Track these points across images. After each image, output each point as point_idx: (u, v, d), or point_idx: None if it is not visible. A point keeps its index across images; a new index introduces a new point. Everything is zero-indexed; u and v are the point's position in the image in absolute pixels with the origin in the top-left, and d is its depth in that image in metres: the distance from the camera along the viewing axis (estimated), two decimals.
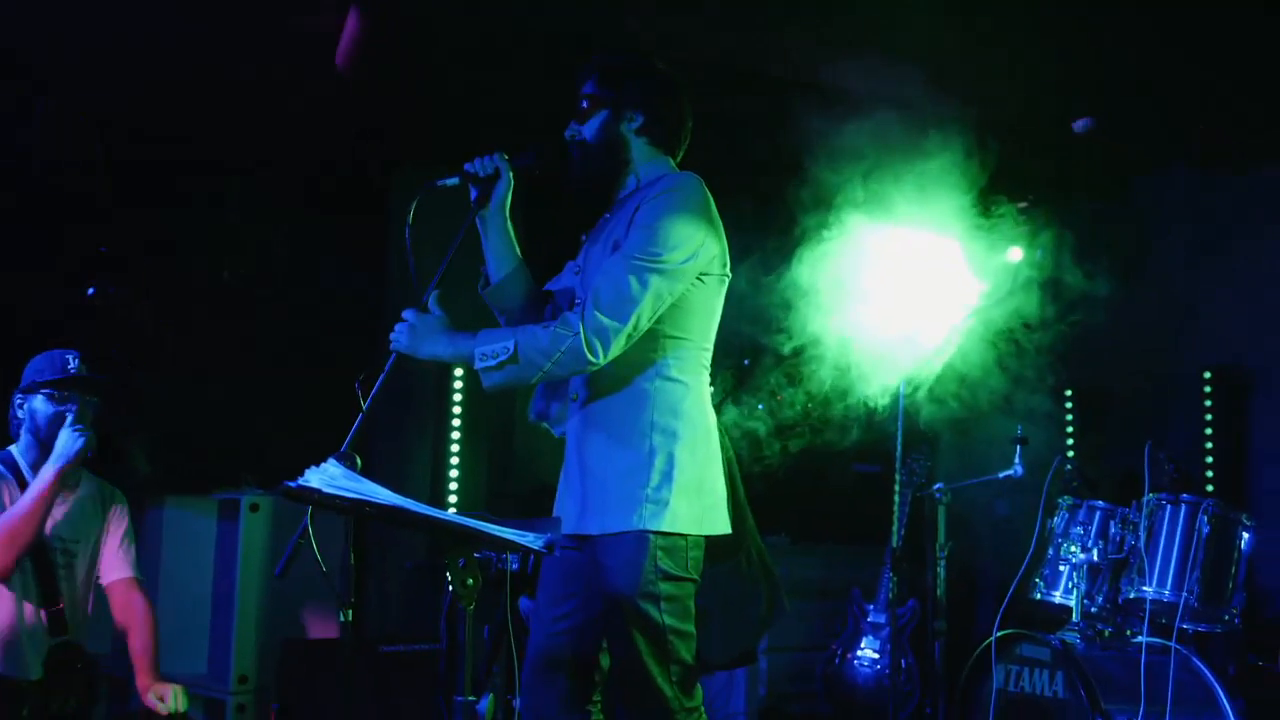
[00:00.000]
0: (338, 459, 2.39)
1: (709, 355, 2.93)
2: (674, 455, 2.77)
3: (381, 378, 2.70)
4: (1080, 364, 5.79)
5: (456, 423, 5.53)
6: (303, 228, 5.78)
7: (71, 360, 3.60)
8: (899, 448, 4.86)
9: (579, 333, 2.68)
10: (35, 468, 3.56)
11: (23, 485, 3.53)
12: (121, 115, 5.18)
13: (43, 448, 3.57)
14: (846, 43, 4.58)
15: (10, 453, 3.62)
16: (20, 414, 3.61)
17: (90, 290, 4.95)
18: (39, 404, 3.57)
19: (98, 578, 3.73)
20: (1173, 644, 4.10)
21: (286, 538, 5.21)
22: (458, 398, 5.57)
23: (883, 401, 4.58)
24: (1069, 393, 6.31)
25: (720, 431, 3.89)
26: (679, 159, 3.02)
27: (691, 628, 2.78)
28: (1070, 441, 6.33)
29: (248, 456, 5.27)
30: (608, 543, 2.76)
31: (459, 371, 5.61)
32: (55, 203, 5.11)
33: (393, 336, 2.80)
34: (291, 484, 2.29)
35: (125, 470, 5.10)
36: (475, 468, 5.61)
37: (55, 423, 3.53)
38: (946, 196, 4.34)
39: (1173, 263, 6.10)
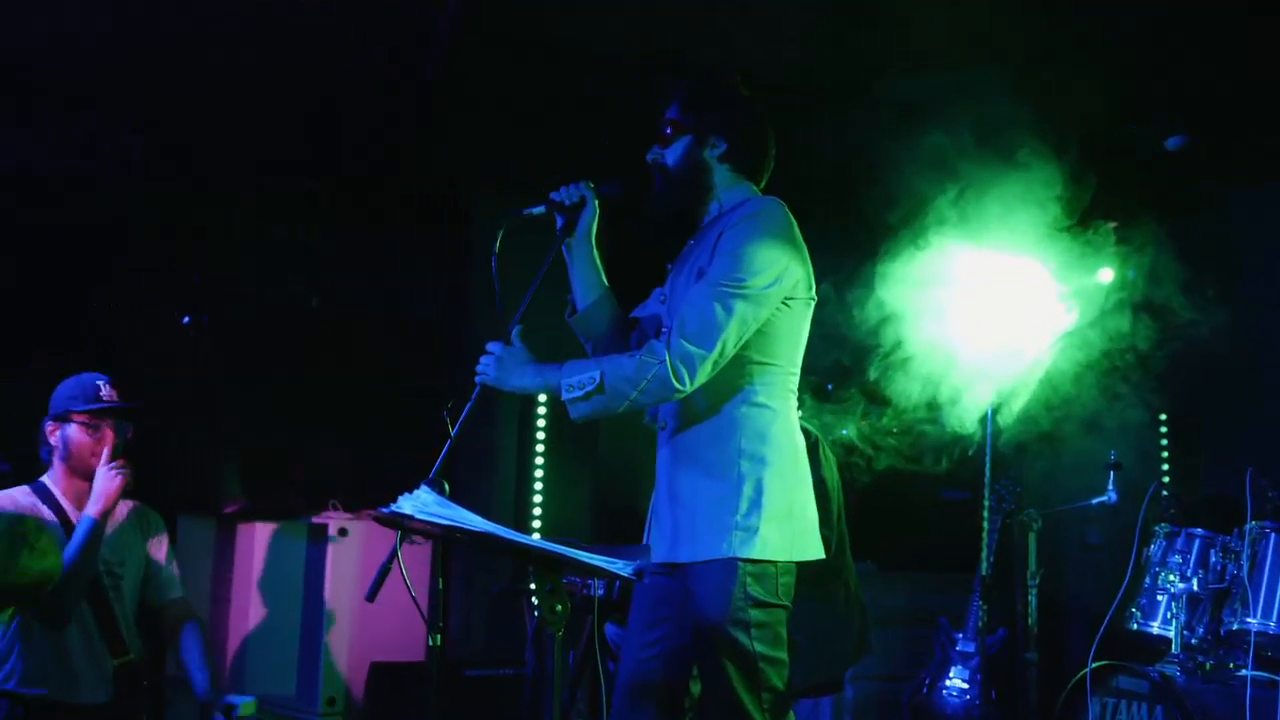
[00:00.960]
0: (429, 485, 2.41)
1: (796, 379, 2.93)
2: (762, 481, 2.77)
3: (468, 408, 2.73)
4: (1175, 388, 5.65)
5: (540, 448, 5.56)
6: (389, 251, 5.86)
7: (103, 386, 3.59)
8: (988, 473, 4.77)
9: (665, 361, 2.69)
10: (68, 495, 3.58)
11: (59, 514, 3.54)
12: (196, 138, 5.24)
13: (73, 474, 3.59)
14: (933, 58, 4.53)
15: (44, 483, 3.62)
16: (54, 441, 3.60)
17: (185, 319, 5.06)
18: (73, 432, 3.56)
19: (150, 599, 3.75)
20: (1279, 679, 3.96)
21: (373, 562, 5.28)
22: (541, 423, 5.60)
23: (972, 426, 4.51)
24: (1163, 417, 6.16)
25: (829, 461, 3.87)
26: (762, 185, 3.01)
27: (783, 654, 2.77)
28: (1166, 468, 6.17)
29: (336, 482, 5.33)
30: (698, 570, 2.76)
31: (543, 397, 5.64)
32: (136, 227, 5.20)
33: (479, 369, 2.82)
34: (385, 509, 2.32)
35: (217, 494, 5.20)
36: (559, 493, 5.62)
37: (88, 451, 3.54)
38: (1036, 216, 4.27)
39: (1270, 283, 5.92)
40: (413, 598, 2.66)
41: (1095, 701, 4.22)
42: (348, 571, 5.05)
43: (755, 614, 2.72)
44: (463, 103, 5.12)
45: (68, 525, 3.55)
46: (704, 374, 2.72)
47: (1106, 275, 4.96)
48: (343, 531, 5.05)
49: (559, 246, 2.97)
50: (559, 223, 2.96)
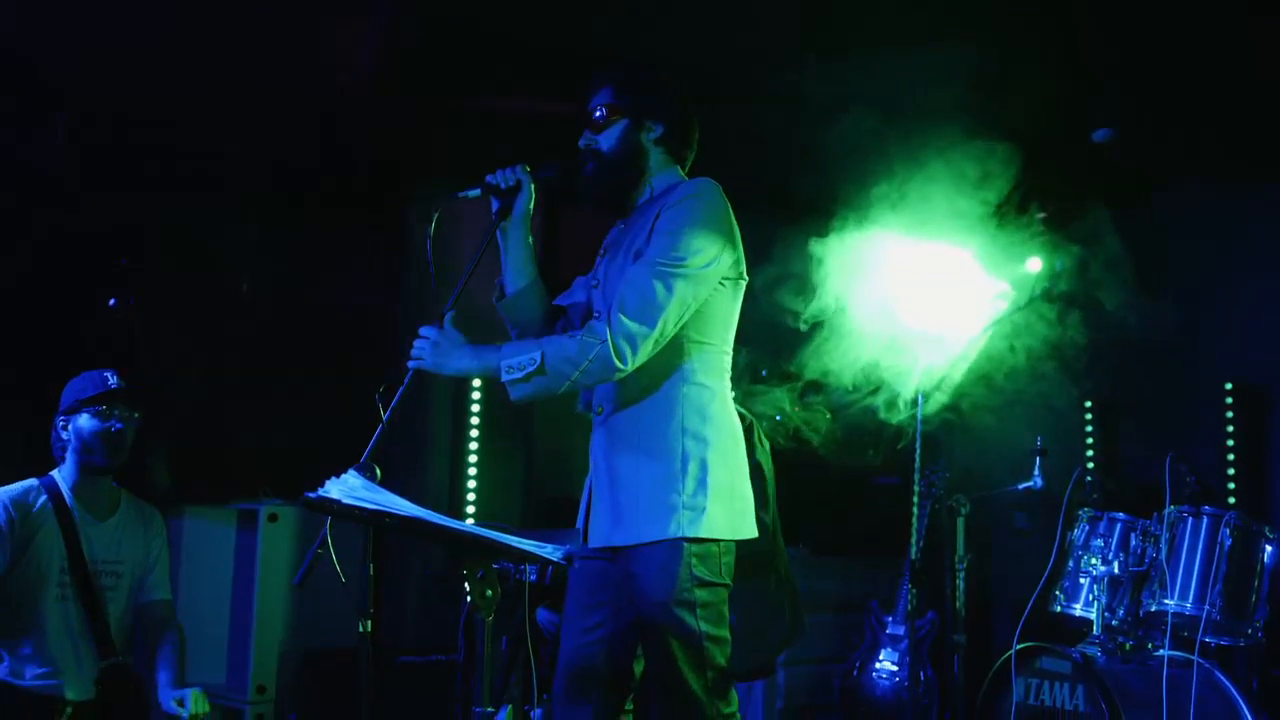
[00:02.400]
0: (358, 470, 2.40)
1: (729, 360, 2.96)
2: (706, 460, 2.79)
3: (400, 392, 2.71)
4: (1100, 376, 5.76)
5: (474, 433, 5.54)
6: (319, 237, 5.80)
7: (111, 377, 3.63)
8: (918, 459, 4.84)
9: (606, 340, 2.70)
10: (76, 491, 3.60)
11: (62, 511, 3.55)
12: (134, 122, 5.19)
13: (85, 470, 3.60)
14: (863, 50, 4.57)
15: (53, 477, 3.63)
16: (65, 435, 3.61)
17: (111, 301, 4.98)
18: (84, 422, 3.58)
19: (135, 598, 3.75)
20: (1195, 658, 4.07)
21: (305, 548, 5.24)
22: (476, 408, 5.58)
23: (901, 413, 4.57)
24: (1088, 404, 6.28)
25: (764, 445, 3.90)
26: (687, 169, 3.05)
27: (726, 633, 2.80)
28: (1090, 453, 6.30)
29: (266, 467, 5.28)
30: (642, 552, 2.77)
31: (477, 382, 5.62)
32: (65, 211, 5.13)
33: (414, 353, 2.81)
34: (311, 495, 2.31)
35: (145, 481, 5.12)
36: (493, 478, 5.61)
37: (100, 438, 3.56)
38: (965, 206, 4.33)
39: (1194, 274, 6.06)
40: (342, 583, 2.64)
41: (1020, 682, 4.30)
42: (278, 558, 5.00)
43: (700, 594, 2.74)
44: (400, 91, 5.09)
45: (66, 520, 3.55)
46: (645, 353, 2.74)
47: (1035, 264, 5.05)
48: (273, 517, 5.00)
49: (494, 230, 2.96)
50: (494, 206, 2.95)
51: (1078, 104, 5.19)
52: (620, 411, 2.86)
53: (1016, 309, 4.64)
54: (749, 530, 2.88)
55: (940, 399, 4.66)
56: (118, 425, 3.58)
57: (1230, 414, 5.84)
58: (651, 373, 2.81)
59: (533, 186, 2.94)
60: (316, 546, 2.51)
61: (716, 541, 2.78)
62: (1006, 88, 4.83)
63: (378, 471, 2.47)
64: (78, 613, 3.54)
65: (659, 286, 2.73)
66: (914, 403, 4.66)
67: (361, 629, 2.67)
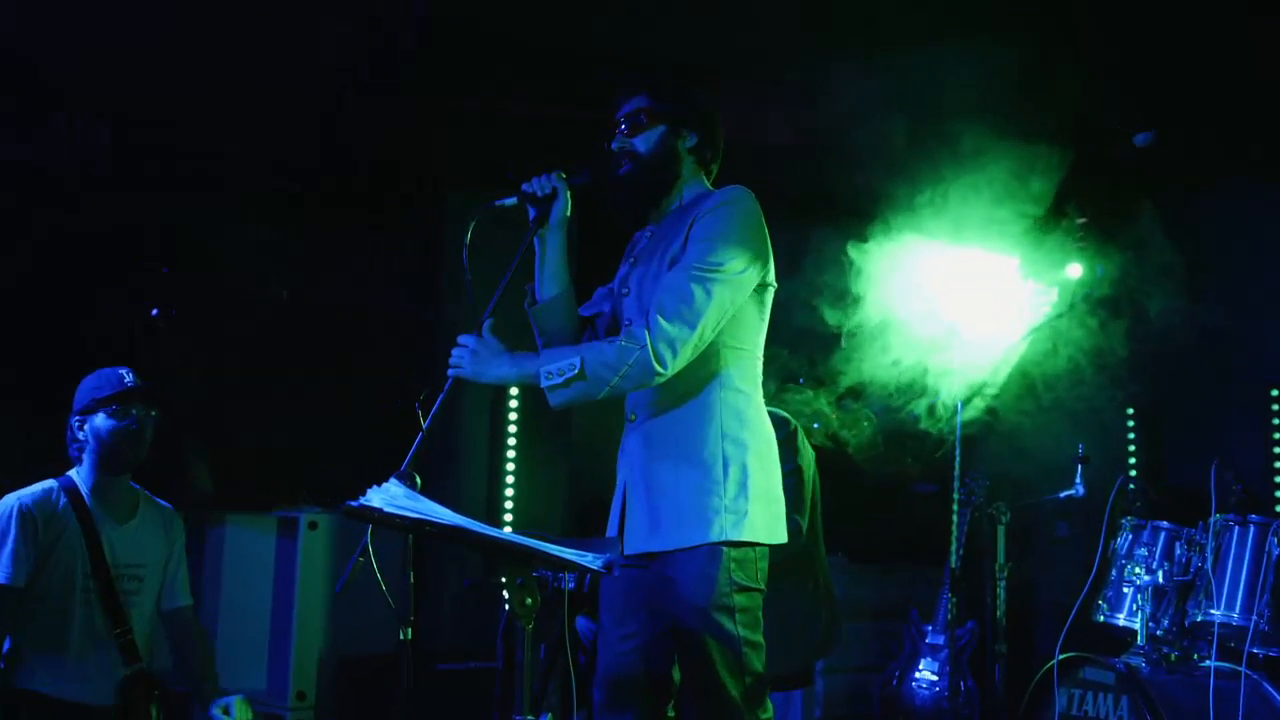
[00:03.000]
0: (398, 478, 2.41)
1: (760, 365, 2.97)
2: (746, 465, 2.81)
3: (440, 400, 2.72)
4: (1142, 381, 5.70)
5: (512, 441, 5.55)
6: (359, 245, 5.84)
7: (126, 375, 3.58)
8: (957, 466, 4.80)
9: (646, 345, 2.71)
10: (95, 492, 3.55)
11: (82, 513, 3.50)
12: (135, 122, 5.19)
13: (103, 469, 3.56)
14: (902, 54, 4.54)
15: (70, 477, 3.58)
16: (82, 436, 3.56)
17: (154, 311, 5.02)
18: (100, 421, 3.53)
19: (159, 604, 3.71)
20: (1243, 668, 4.00)
21: (345, 556, 5.28)
22: (513, 416, 5.59)
23: (940, 421, 4.54)
24: (1130, 410, 6.21)
25: (806, 450, 3.89)
26: (713, 180, 3.06)
27: (762, 638, 2.80)
28: (1132, 461, 6.23)
29: (307, 475, 5.31)
30: (681, 557, 2.77)
31: (514, 390, 5.63)
32: (66, 211, 5.15)
33: (453, 362, 2.81)
34: (353, 503, 2.31)
35: (187, 488, 5.16)
36: (531, 486, 5.62)
37: (119, 437, 3.52)
38: (1005, 211, 4.29)
39: (1237, 278, 5.98)
40: (383, 591, 2.65)
41: (1063, 693, 4.26)
42: (318, 565, 5.03)
43: (739, 599, 2.75)
44: (436, 98, 5.11)
45: (87, 522, 3.50)
46: (685, 357, 2.75)
47: (1075, 270, 5.00)
48: (313, 525, 5.02)
49: (532, 238, 2.97)
50: (531, 214, 2.95)
51: (1118, 107, 5.14)
52: (658, 417, 2.87)
53: (1057, 315, 4.61)
54: (783, 535, 2.89)
55: (980, 405, 4.63)
56: (135, 424, 3.53)
57: (1276, 420, 5.75)
58: (690, 379, 2.82)
59: (569, 194, 2.95)
60: (358, 554, 2.52)
61: (754, 546, 2.79)
62: (1047, 91, 4.80)
63: (418, 480, 2.48)
64: (101, 618, 3.49)
65: (698, 291, 2.74)
66: (954, 410, 4.63)
67: (402, 636, 2.67)
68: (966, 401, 4.63)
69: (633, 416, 2.93)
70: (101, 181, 5.16)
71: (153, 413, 3.60)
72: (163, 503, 3.79)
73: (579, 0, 4.36)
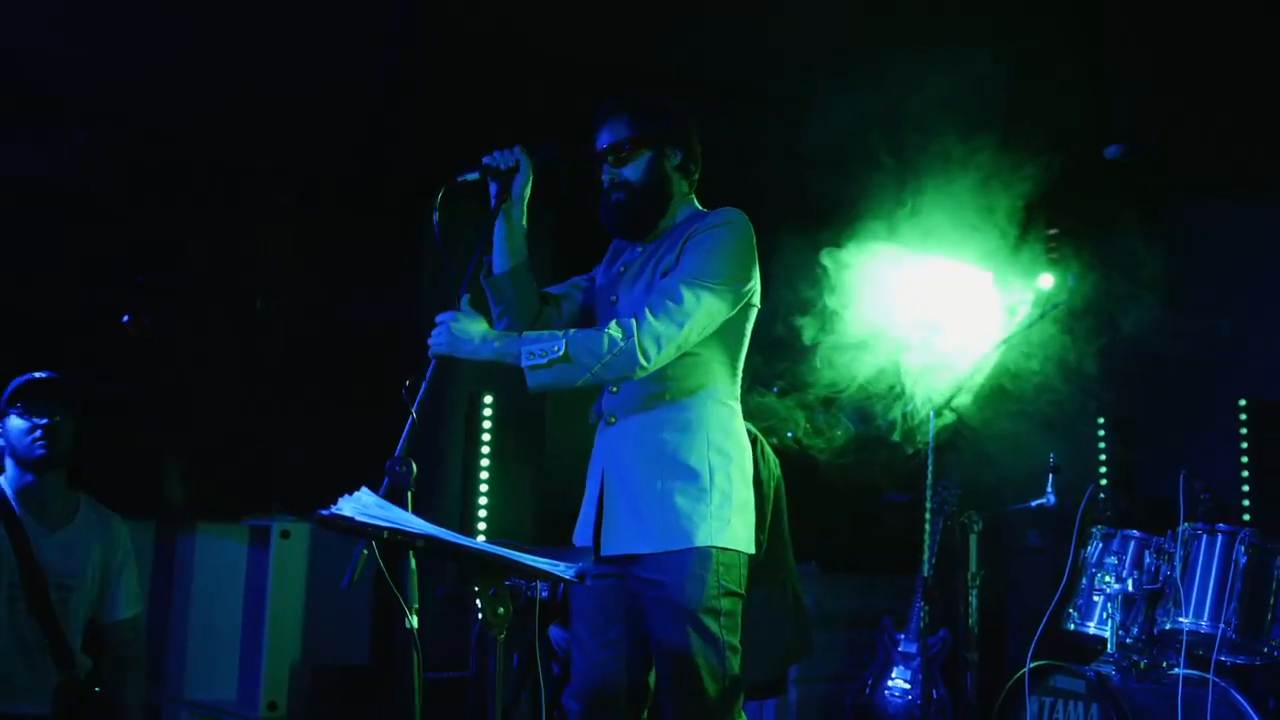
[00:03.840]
0: (394, 464, 2.42)
1: (740, 381, 3.03)
2: (730, 475, 2.88)
3: (424, 384, 2.69)
4: (1113, 392, 5.75)
5: (486, 449, 5.54)
6: (338, 251, 5.82)
7: (28, 375, 3.51)
8: (930, 475, 4.83)
9: (632, 336, 2.75)
10: (22, 496, 3.48)
11: (11, 520, 3.43)
12: (148, 134, 5.20)
13: (24, 467, 3.49)
14: (877, 61, 4.57)
15: None
16: (1, 441, 3.51)
17: (125, 318, 5.00)
18: (13, 422, 3.48)
19: (98, 615, 3.63)
20: (1211, 676, 4.03)
21: (317, 565, 5.25)
22: (487, 425, 5.58)
23: (912, 430, 4.56)
24: (1101, 420, 6.26)
25: (768, 459, 3.90)
26: (693, 188, 3.10)
27: (739, 644, 2.84)
28: (1103, 470, 6.27)
29: (278, 483, 5.28)
30: (670, 559, 2.80)
31: (489, 399, 5.62)
32: (81, 222, 5.14)
33: (431, 341, 2.80)
34: (324, 512, 2.30)
35: (158, 497, 5.13)
36: (504, 496, 5.61)
37: (29, 436, 3.45)
38: (978, 221, 4.32)
39: (1207, 291, 6.05)
40: (393, 588, 2.61)
41: (1033, 700, 4.28)
42: (290, 574, 5.01)
43: (725, 602, 2.80)
44: (421, 108, 5.11)
45: (14, 527, 3.44)
46: (667, 355, 2.79)
47: (1046, 281, 5.04)
48: (285, 534, 5.00)
49: (498, 213, 2.97)
50: (493, 189, 2.97)
51: (1093, 119, 5.19)
52: (644, 421, 2.89)
53: (1029, 325, 4.64)
54: (753, 547, 2.95)
55: (952, 415, 4.65)
56: (44, 419, 3.45)
57: (1244, 430, 5.81)
58: (680, 387, 2.88)
59: (531, 167, 2.96)
60: (362, 546, 2.48)
61: (738, 553, 2.86)
62: (1020, 101, 4.84)
63: (414, 466, 2.47)
64: (32, 626, 3.40)
65: (689, 295, 2.79)
66: (926, 419, 4.65)
67: (407, 625, 2.63)
68: (939, 411, 4.66)
69: (612, 419, 2.94)
70: (81, 190, 5.15)
71: (66, 404, 3.50)
72: (105, 509, 3.69)
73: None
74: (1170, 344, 5.78)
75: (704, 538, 2.79)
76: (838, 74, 4.51)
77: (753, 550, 2.91)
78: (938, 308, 4.43)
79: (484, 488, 5.53)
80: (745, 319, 2.97)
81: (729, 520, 2.83)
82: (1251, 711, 4.05)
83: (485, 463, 5.54)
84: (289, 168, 5.50)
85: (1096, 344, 4.96)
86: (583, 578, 2.41)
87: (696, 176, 3.09)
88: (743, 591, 2.87)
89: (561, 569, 2.41)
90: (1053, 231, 5.09)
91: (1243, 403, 5.82)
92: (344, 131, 5.28)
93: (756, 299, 2.99)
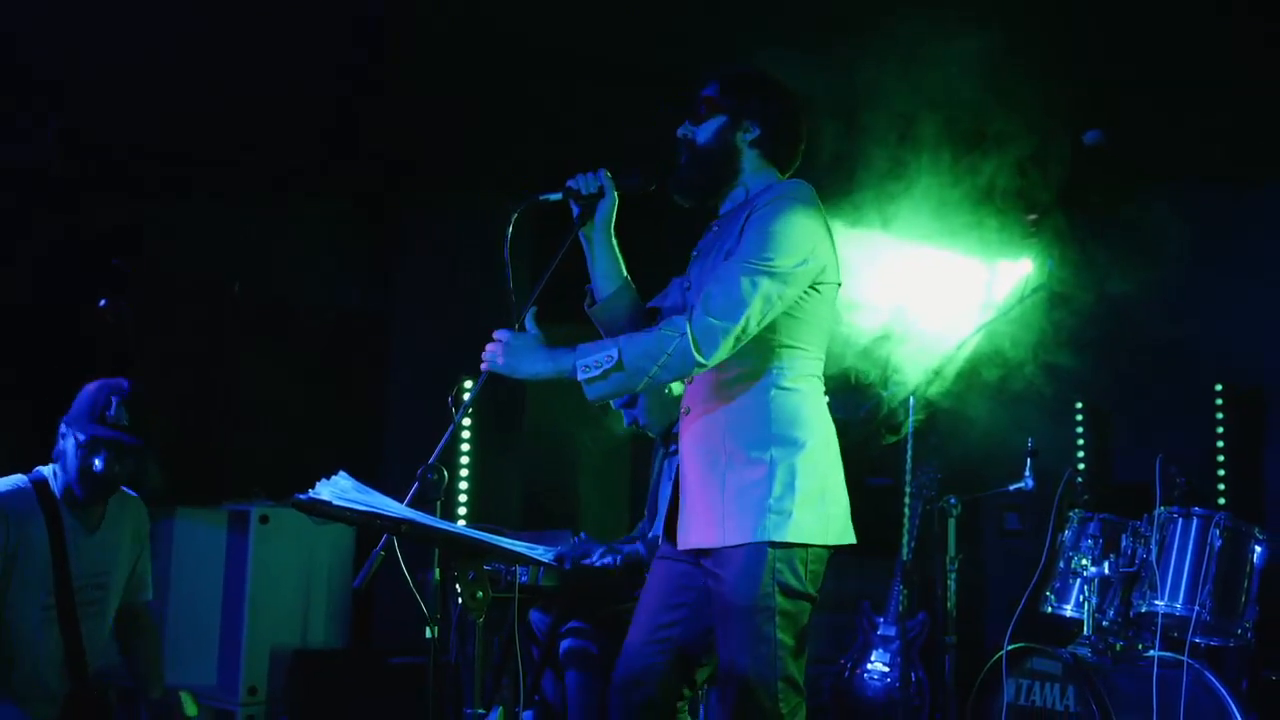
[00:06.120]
0: (426, 470, 2.41)
1: (821, 364, 2.91)
2: (795, 465, 2.76)
3: (472, 395, 2.70)
4: (1091, 377, 5.78)
5: (466, 434, 5.54)
6: (314, 240, 5.80)
7: (113, 405, 3.41)
8: (909, 460, 4.85)
9: (686, 333, 2.66)
10: (66, 496, 3.42)
11: (50, 514, 3.37)
12: (129, 128, 5.19)
13: (70, 488, 3.44)
14: (854, 46, 4.57)
15: (42, 472, 3.46)
16: (60, 446, 3.45)
17: (102, 302, 4.97)
18: (72, 448, 3.40)
19: (129, 597, 3.61)
20: (1185, 658, 4.07)
21: (296, 549, 5.24)
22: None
23: (894, 416, 4.57)
24: (1079, 405, 6.30)
25: None
26: (787, 176, 3.00)
27: (802, 645, 2.77)
28: (1081, 454, 6.31)
29: (257, 468, 5.27)
30: (726, 555, 2.75)
31: (467, 384, 5.61)
32: (62, 212, 5.12)
33: (486, 357, 2.75)
34: (302, 496, 2.31)
35: (137, 482, 5.11)
36: (485, 480, 5.60)
37: (82, 475, 3.39)
38: (956, 207, 4.33)
39: (1185, 276, 6.08)
40: (411, 587, 2.61)
41: (1011, 682, 4.31)
42: (269, 559, 5.00)
43: (782, 601, 2.71)
44: (396, 96, 5.09)
45: (55, 523, 3.37)
46: (726, 348, 2.69)
47: (1026, 266, 5.06)
48: (264, 519, 4.99)
49: (574, 235, 2.91)
50: (575, 211, 2.89)
51: (1069, 104, 5.20)
52: (710, 414, 2.83)
53: (1008, 310, 4.66)
54: (845, 536, 2.85)
55: (931, 399, 4.67)
56: (100, 470, 3.38)
57: (1220, 415, 5.86)
58: (743, 376, 2.79)
59: (616, 193, 2.90)
60: (380, 549, 2.48)
61: (805, 547, 2.75)
62: (1000, 86, 4.85)
63: (444, 473, 2.47)
64: (56, 639, 3.36)
65: (745, 282, 2.68)
66: (905, 404, 4.67)
67: (429, 634, 2.64)
68: (918, 396, 4.67)
69: (687, 410, 2.90)
70: (93, 182, 5.12)
71: (129, 462, 3.45)
72: (128, 491, 3.64)
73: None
74: (1147, 330, 5.82)
75: (759, 533, 2.70)
76: (809, 55, 4.51)
77: (831, 541, 2.80)
78: (917, 293, 4.45)
79: (464, 471, 5.53)
80: (816, 299, 2.82)
81: (790, 514, 2.71)
82: (1225, 693, 4.09)
83: (466, 446, 5.53)
84: (262, 156, 5.47)
85: (1074, 329, 4.99)
86: (561, 561, 2.43)
87: (791, 163, 2.98)
88: (810, 590, 2.76)
89: (539, 552, 2.43)
90: (1032, 217, 5.10)
91: (1219, 388, 5.87)
92: (313, 119, 5.25)
93: (830, 275, 2.83)
